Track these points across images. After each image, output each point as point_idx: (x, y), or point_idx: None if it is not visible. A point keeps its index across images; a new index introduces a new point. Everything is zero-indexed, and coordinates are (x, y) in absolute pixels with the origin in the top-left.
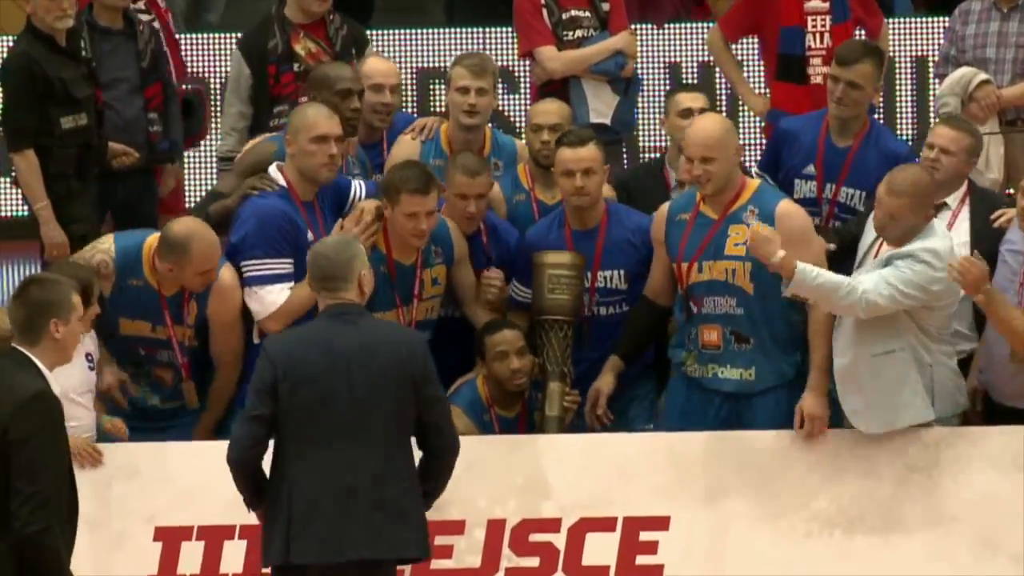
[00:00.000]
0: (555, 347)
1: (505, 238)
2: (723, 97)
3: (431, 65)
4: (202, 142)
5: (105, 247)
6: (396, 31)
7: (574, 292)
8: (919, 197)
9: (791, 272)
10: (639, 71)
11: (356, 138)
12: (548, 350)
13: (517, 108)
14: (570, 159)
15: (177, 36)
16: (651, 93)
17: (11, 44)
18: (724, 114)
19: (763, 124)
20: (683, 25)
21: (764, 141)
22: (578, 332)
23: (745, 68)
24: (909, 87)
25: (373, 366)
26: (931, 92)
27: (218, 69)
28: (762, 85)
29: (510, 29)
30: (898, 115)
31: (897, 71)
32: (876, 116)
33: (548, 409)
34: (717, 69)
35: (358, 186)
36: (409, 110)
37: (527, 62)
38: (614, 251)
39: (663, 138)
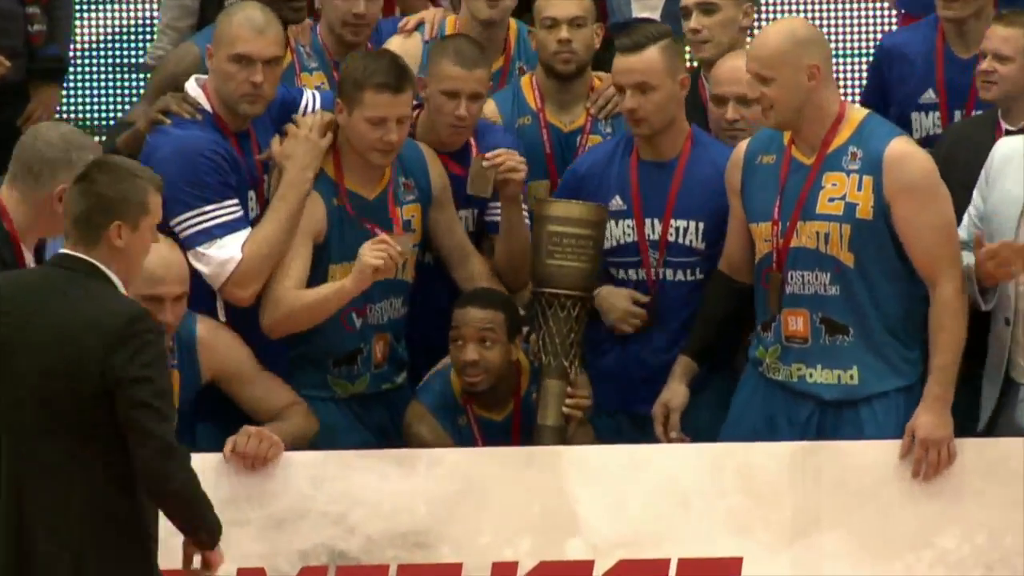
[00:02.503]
0: (554, 331)
1: (499, 145)
2: None
3: None
4: None
5: None
6: None
7: (586, 258)
8: None
9: None
10: None
11: (309, 21)
12: (545, 335)
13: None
14: (619, 69)
15: None
16: None
17: None
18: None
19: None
20: None
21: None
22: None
23: None
24: None
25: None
26: None
27: None
28: None
29: None
30: None
31: None
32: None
33: (541, 416)
34: None
35: (310, 97)
36: None
37: None
38: (693, 193)
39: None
